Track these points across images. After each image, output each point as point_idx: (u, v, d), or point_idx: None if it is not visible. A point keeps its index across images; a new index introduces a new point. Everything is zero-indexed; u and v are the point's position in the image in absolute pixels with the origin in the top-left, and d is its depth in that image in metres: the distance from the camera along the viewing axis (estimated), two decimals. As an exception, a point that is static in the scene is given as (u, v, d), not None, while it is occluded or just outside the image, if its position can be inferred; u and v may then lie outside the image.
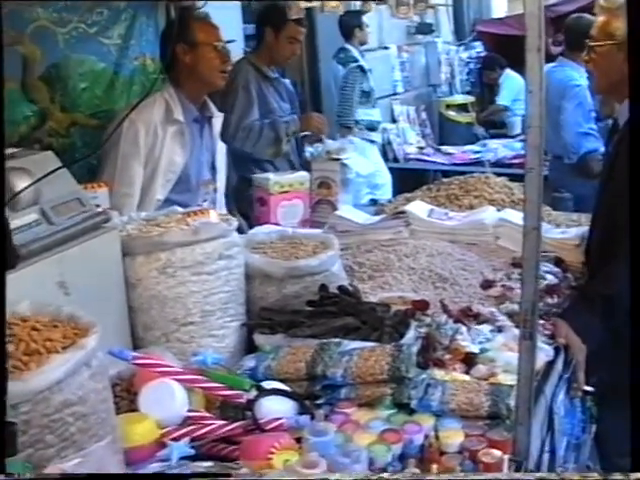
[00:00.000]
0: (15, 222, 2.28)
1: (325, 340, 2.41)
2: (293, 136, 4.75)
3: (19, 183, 2.37)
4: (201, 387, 2.26)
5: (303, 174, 4.21)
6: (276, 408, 2.17)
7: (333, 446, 1.86)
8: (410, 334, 2.55)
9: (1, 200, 1.48)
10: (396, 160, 7.59)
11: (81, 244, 2.42)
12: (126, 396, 2.28)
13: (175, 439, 2.07)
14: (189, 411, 2.19)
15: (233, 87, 4.58)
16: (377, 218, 3.91)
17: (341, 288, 2.77)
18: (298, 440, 2.00)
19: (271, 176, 4.10)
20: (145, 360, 2.25)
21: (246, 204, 4.17)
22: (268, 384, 2.27)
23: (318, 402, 2.25)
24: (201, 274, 2.56)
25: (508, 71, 8.89)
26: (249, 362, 2.42)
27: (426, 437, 2.05)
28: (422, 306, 2.78)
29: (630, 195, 1.73)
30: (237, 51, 4.74)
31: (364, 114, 6.94)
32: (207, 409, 2.26)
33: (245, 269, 2.75)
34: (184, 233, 2.59)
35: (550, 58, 5.26)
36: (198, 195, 3.68)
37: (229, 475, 1.86)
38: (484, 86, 9.65)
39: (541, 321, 2.65)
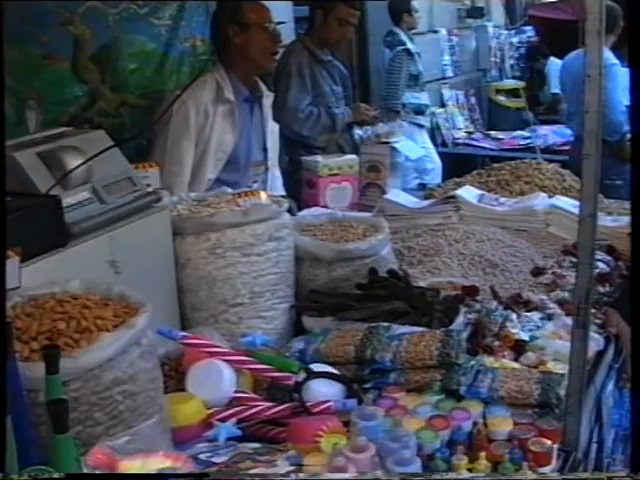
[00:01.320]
0: (67, 200, 2.29)
1: (374, 324, 2.39)
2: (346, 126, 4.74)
3: (71, 161, 2.38)
4: (249, 368, 2.25)
5: (352, 157, 4.19)
6: (324, 391, 2.17)
7: (381, 431, 1.85)
8: (459, 320, 2.52)
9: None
10: (444, 145, 7.53)
11: (132, 223, 2.43)
12: (174, 376, 2.28)
13: (222, 420, 2.07)
14: (236, 392, 2.19)
15: (286, 70, 4.56)
16: (426, 202, 3.88)
17: (391, 272, 2.76)
18: (345, 424, 1.99)
19: (320, 159, 4.08)
20: (194, 340, 2.25)
21: (295, 186, 4.15)
22: (316, 367, 2.26)
23: (366, 386, 2.24)
24: (250, 255, 2.56)
25: (553, 59, 8.78)
26: (298, 344, 2.42)
27: (474, 424, 2.02)
28: (472, 292, 2.75)
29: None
30: (288, 33, 4.71)
31: (412, 97, 6.88)
32: (254, 391, 2.26)
33: (294, 251, 2.74)
34: (234, 214, 2.59)
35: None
36: (248, 175, 3.68)
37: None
38: (534, 72, 9.55)
39: (592, 310, 2.61)
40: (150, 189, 2.59)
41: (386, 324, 2.40)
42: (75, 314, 1.87)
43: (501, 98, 8.64)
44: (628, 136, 5.32)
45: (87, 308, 1.91)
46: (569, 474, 1.79)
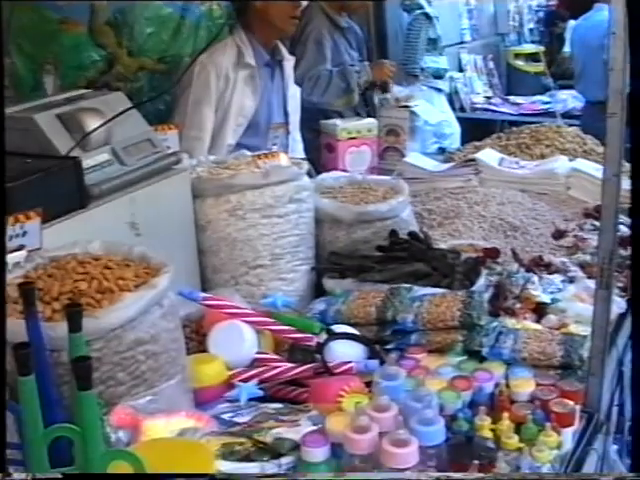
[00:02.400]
0: (87, 162, 2.29)
1: (395, 285, 2.39)
2: (364, 85, 4.63)
3: (90, 123, 2.37)
4: (270, 329, 2.25)
5: (371, 121, 4.16)
6: (345, 352, 2.17)
7: (404, 391, 1.84)
8: (481, 282, 2.51)
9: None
10: (463, 110, 7.47)
11: (152, 185, 2.42)
12: (195, 337, 2.28)
13: (244, 380, 2.07)
14: (258, 353, 2.19)
15: (304, 35, 4.49)
16: (446, 166, 3.86)
17: (411, 234, 2.74)
18: (367, 384, 1.98)
19: (339, 122, 4.06)
20: (215, 301, 2.25)
21: (314, 151, 4.13)
22: (338, 328, 2.25)
23: (387, 347, 2.23)
24: (271, 217, 2.55)
25: (572, 22, 8.68)
26: (319, 305, 2.41)
27: (497, 385, 2.01)
28: (493, 254, 2.74)
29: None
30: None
31: (430, 61, 6.82)
32: (276, 352, 2.26)
33: (315, 213, 2.73)
34: (254, 176, 2.58)
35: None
36: (268, 139, 3.67)
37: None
38: (553, 36, 9.45)
39: (614, 273, 2.59)
40: (170, 151, 2.58)
41: (407, 285, 2.40)
42: (97, 275, 1.87)
43: (520, 63, 8.55)
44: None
45: (108, 269, 1.91)
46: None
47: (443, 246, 2.83)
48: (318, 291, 2.66)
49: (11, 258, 1.94)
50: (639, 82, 1.66)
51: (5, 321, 1.32)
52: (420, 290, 2.37)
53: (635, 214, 1.66)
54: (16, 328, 1.67)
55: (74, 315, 1.57)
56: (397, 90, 4.77)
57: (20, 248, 1.96)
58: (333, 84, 4.37)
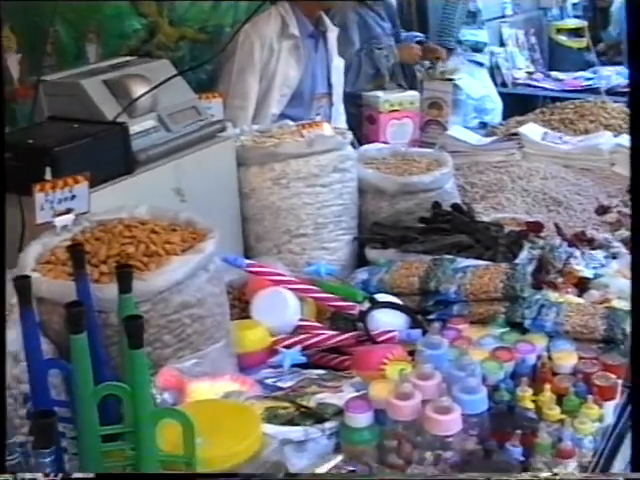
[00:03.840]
0: (133, 128, 2.31)
1: (438, 256, 2.39)
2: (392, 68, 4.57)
3: (137, 89, 2.39)
4: (313, 297, 2.26)
5: (413, 93, 4.14)
6: (388, 321, 2.17)
7: (447, 360, 1.84)
8: (523, 255, 2.50)
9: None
10: (504, 85, 7.40)
11: (197, 152, 2.44)
12: (237, 304, 2.30)
13: (287, 347, 2.09)
14: (300, 320, 2.20)
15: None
16: (489, 139, 3.84)
17: (454, 206, 2.74)
18: (410, 354, 1.99)
19: (381, 94, 4.04)
20: (259, 268, 2.27)
21: (355, 122, 4.12)
22: (380, 297, 2.26)
23: (430, 317, 2.23)
24: (315, 186, 2.56)
25: (618, -3, 8.55)
26: (362, 275, 2.42)
27: (539, 357, 2.01)
28: (536, 228, 2.72)
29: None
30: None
31: (469, 34, 6.76)
32: (318, 319, 2.27)
33: (358, 184, 2.73)
34: (299, 145, 2.58)
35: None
36: (311, 109, 3.66)
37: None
38: (597, 10, 9.33)
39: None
40: (215, 119, 2.59)
41: (450, 257, 2.39)
42: (143, 238, 1.89)
43: (562, 38, 8.44)
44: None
45: (155, 233, 1.93)
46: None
47: (486, 219, 2.82)
48: (360, 261, 2.66)
49: (59, 221, 1.96)
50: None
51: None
52: (463, 261, 2.37)
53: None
54: (65, 290, 1.70)
55: (125, 276, 1.59)
56: (441, 63, 4.72)
57: (68, 212, 1.98)
58: (363, 71, 4.31)
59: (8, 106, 3.50)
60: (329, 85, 3.81)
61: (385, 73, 4.40)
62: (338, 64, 3.85)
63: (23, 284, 1.51)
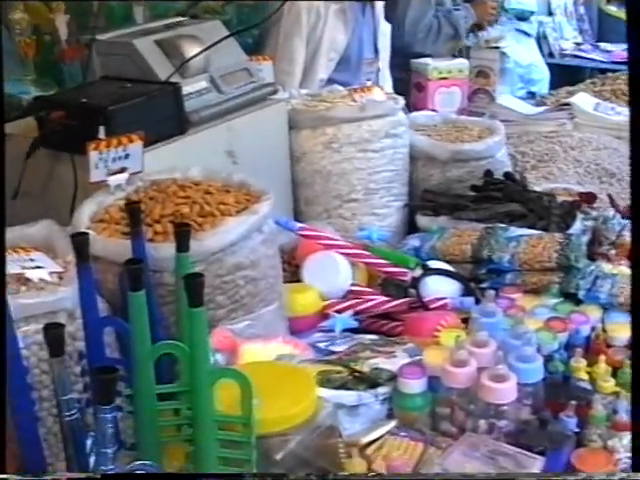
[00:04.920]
0: (186, 88, 2.29)
1: (491, 225, 2.36)
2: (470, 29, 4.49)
3: (189, 50, 2.37)
4: (365, 262, 2.25)
5: (462, 61, 4.07)
6: (441, 288, 2.15)
7: (501, 328, 1.82)
8: (577, 225, 2.47)
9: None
10: (551, 55, 7.30)
11: (249, 114, 2.42)
12: (287, 268, 2.28)
13: (339, 311, 2.07)
14: (352, 285, 2.18)
15: None
16: (540, 109, 3.78)
17: (507, 174, 2.70)
18: (462, 321, 1.97)
19: (430, 61, 3.98)
20: (310, 232, 2.25)
21: (402, 89, 4.08)
22: (432, 264, 2.24)
23: (482, 286, 2.20)
24: (366, 151, 2.54)
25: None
26: (413, 241, 2.40)
27: (593, 329, 1.98)
28: (589, 199, 2.68)
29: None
30: None
31: (515, 2, 6.64)
32: (369, 285, 2.25)
33: (409, 150, 2.70)
34: (351, 109, 2.56)
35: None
36: (359, 74, 3.63)
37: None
38: (648, -19, 9.17)
39: None
40: (267, 81, 2.57)
41: (503, 225, 2.36)
42: (198, 199, 1.88)
43: (612, 8, 8.31)
44: None
45: (209, 194, 1.92)
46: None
47: (537, 189, 2.78)
48: (410, 228, 2.65)
49: (113, 180, 1.96)
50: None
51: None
52: (516, 230, 2.33)
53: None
54: (121, 248, 1.70)
55: (183, 235, 1.58)
56: (487, 30, 4.65)
57: (122, 170, 1.97)
58: (443, 33, 4.24)
59: (56, 67, 3.51)
60: (376, 51, 3.77)
61: (463, 34, 4.33)
62: (385, 30, 3.80)
63: (81, 241, 1.50)
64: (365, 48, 3.68)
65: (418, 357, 1.76)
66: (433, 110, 3.70)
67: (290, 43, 3.46)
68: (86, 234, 1.54)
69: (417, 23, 4.16)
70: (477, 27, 4.53)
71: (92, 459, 1.36)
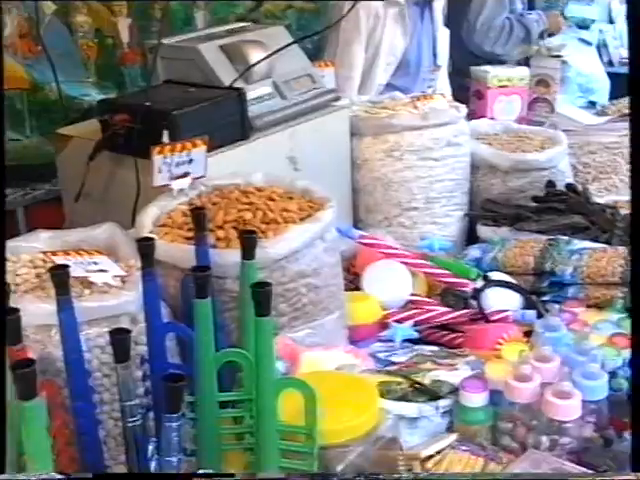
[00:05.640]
0: (250, 94, 2.29)
1: (553, 237, 2.33)
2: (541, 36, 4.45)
3: (253, 55, 2.37)
4: (425, 272, 2.23)
5: (523, 69, 4.03)
6: (502, 300, 2.12)
7: (565, 343, 1.79)
8: (641, 239, 2.42)
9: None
10: (611, 64, 7.21)
11: (311, 120, 2.42)
12: (346, 276, 2.26)
13: (398, 321, 2.06)
14: (411, 295, 2.17)
15: None
16: (601, 119, 3.73)
17: (569, 186, 2.67)
18: (524, 335, 1.94)
19: (490, 69, 3.94)
20: (371, 240, 2.24)
21: (461, 96, 4.05)
22: (493, 275, 2.21)
23: (544, 299, 2.18)
24: (428, 159, 2.53)
25: None
26: (473, 252, 2.38)
27: (657, 345, 1.94)
28: (653, 212, 2.63)
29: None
30: None
31: (576, 10, 6.56)
32: (428, 295, 2.23)
33: (470, 159, 2.68)
34: (413, 117, 2.55)
35: None
36: (417, 80, 3.61)
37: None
38: None
39: None
40: (329, 87, 2.57)
41: (565, 237, 2.33)
42: (261, 205, 1.87)
43: (674, 17, 8.21)
44: None
45: (272, 200, 1.91)
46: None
47: (600, 201, 2.74)
48: (469, 238, 2.62)
49: (176, 185, 1.96)
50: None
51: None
52: (579, 243, 2.31)
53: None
54: (184, 253, 1.70)
55: (250, 242, 1.57)
56: (548, 39, 4.60)
57: (185, 175, 1.97)
58: (514, 35, 4.23)
59: (117, 70, 3.54)
60: (434, 55, 3.74)
61: (534, 38, 4.29)
62: (443, 34, 3.77)
63: (147, 246, 1.51)
64: (424, 53, 3.66)
65: (480, 370, 1.74)
66: (492, 118, 3.67)
67: (349, 48, 3.44)
68: (151, 239, 1.55)
69: (490, 22, 4.16)
70: (544, 35, 4.48)
71: (153, 464, 1.36)
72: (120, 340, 1.33)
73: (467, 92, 4.00)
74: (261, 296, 1.29)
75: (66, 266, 1.43)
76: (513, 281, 2.20)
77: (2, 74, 1.52)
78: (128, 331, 1.35)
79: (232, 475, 1.42)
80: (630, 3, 1.61)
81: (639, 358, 1.37)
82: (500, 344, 1.85)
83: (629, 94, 1.52)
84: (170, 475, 1.32)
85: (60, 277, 1.41)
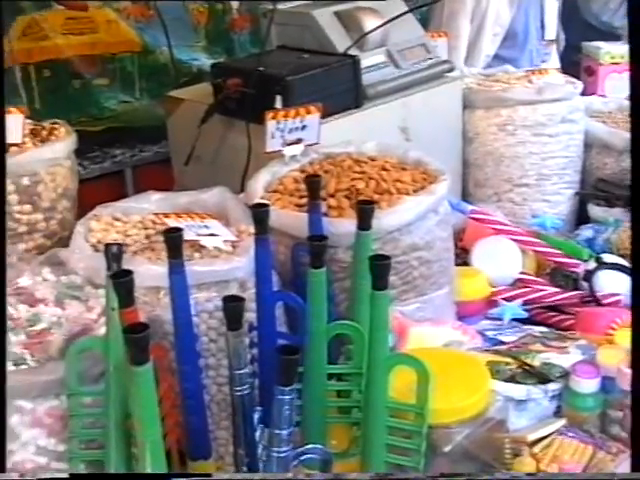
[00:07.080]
0: (363, 62, 2.26)
1: (670, 221, 2.25)
2: None
3: (368, 23, 2.34)
4: (536, 250, 2.18)
5: (638, 45, 3.91)
6: (614, 283, 2.06)
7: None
8: None
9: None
10: None
11: (425, 91, 2.38)
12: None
13: (507, 299, 2.02)
14: (520, 273, 2.12)
15: None
16: None
17: (688, 168, 2.58)
18: (637, 320, 1.89)
19: (603, 45, 3.83)
20: (482, 215, 2.20)
21: (571, 71, 3.95)
22: (605, 257, 2.15)
23: (658, 284, 2.11)
24: (541, 135, 2.48)
25: None
26: (585, 232, 2.32)
27: None
28: None
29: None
30: None
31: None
32: (537, 274, 2.18)
33: (584, 136, 2.61)
34: (528, 91, 2.50)
35: None
36: (525, 51, 3.52)
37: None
38: None
39: None
40: (443, 58, 2.52)
41: (684, 223, 2.25)
42: (374, 175, 1.85)
43: None
44: None
45: (385, 170, 1.88)
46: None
47: None
48: (579, 217, 2.56)
49: (288, 151, 1.95)
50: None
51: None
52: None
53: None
54: (296, 221, 1.69)
55: (367, 212, 1.53)
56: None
57: (298, 141, 1.96)
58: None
59: (226, 35, 3.54)
60: (542, 27, 3.64)
61: None
62: (552, 5, 3.67)
63: (261, 213, 1.49)
64: (531, 24, 3.56)
65: (591, 355, 1.69)
66: (602, 95, 3.57)
67: (455, 19, 3.37)
68: (266, 205, 1.53)
69: None
70: None
71: (258, 433, 1.34)
72: (233, 307, 1.31)
73: (578, 67, 3.90)
74: (379, 269, 1.27)
75: (180, 229, 1.42)
76: (627, 264, 2.13)
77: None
78: (242, 299, 1.32)
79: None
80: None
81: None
82: (613, 329, 1.80)
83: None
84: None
85: (174, 240, 1.39)
